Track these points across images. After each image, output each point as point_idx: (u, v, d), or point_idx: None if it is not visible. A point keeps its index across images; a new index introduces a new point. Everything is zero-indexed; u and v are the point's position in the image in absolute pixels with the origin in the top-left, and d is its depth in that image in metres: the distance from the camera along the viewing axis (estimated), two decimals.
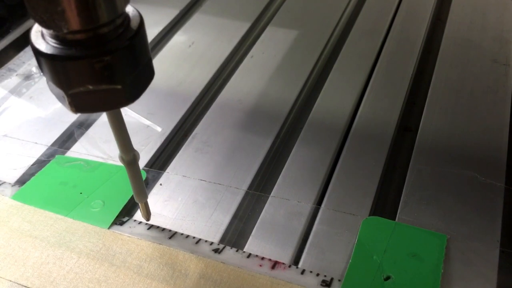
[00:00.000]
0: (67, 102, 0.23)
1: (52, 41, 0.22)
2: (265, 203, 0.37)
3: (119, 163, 0.31)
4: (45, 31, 0.23)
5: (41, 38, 0.23)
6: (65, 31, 0.21)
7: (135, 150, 0.30)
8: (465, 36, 0.52)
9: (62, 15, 0.21)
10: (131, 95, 0.24)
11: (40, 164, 0.41)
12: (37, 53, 0.23)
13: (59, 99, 0.24)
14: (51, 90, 0.24)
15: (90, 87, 0.23)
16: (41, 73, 0.24)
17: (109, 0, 0.22)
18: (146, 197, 0.33)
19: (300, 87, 0.47)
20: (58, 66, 0.22)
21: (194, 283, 0.31)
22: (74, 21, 0.21)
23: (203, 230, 0.35)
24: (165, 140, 0.43)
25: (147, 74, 0.25)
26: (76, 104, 0.24)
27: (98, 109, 0.25)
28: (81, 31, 0.22)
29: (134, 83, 0.24)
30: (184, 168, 0.40)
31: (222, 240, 0.34)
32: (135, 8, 0.25)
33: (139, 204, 0.33)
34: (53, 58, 0.22)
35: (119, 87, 0.23)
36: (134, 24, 0.24)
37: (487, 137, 0.40)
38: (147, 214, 0.34)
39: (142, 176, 0.32)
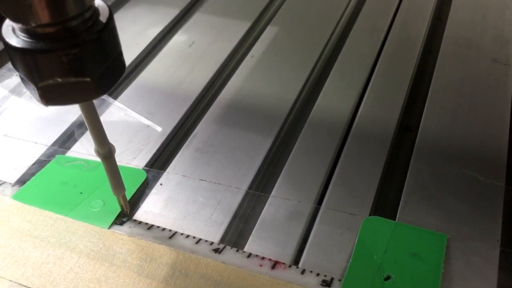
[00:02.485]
0: (37, 95, 0.24)
1: (22, 35, 0.23)
2: (265, 203, 0.36)
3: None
4: (15, 25, 0.23)
5: (11, 32, 0.23)
6: (33, 24, 0.22)
7: (110, 143, 0.30)
8: (465, 36, 0.52)
9: (30, 9, 0.21)
10: (101, 88, 0.25)
11: (40, 164, 0.41)
12: (8, 47, 0.23)
13: (31, 92, 0.24)
14: (24, 84, 0.25)
15: (59, 79, 0.23)
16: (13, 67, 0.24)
17: None
18: (124, 190, 0.33)
19: (300, 86, 0.47)
20: (27, 60, 0.23)
21: (195, 283, 0.31)
22: (42, 14, 0.21)
23: (203, 230, 0.35)
24: (165, 140, 0.43)
25: (118, 68, 0.26)
26: (46, 97, 0.24)
27: (68, 101, 0.25)
28: (50, 24, 0.22)
29: (103, 76, 0.24)
30: (184, 168, 0.40)
31: (222, 240, 0.34)
32: (104, 2, 0.25)
33: (117, 198, 0.34)
34: (22, 51, 0.23)
35: (88, 79, 0.24)
36: (103, 17, 0.24)
37: (487, 137, 0.40)
38: (126, 207, 0.35)
39: (118, 169, 0.32)
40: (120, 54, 0.26)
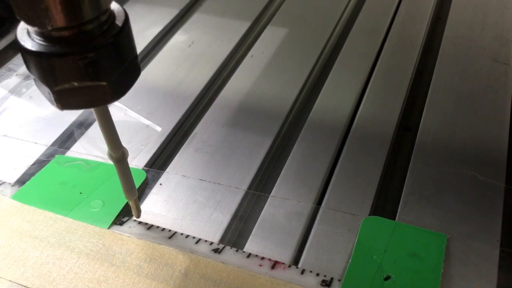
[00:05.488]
0: (53, 99, 0.24)
1: (37, 38, 0.23)
2: (265, 202, 0.36)
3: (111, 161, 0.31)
4: (30, 28, 0.23)
5: (26, 35, 0.23)
6: (49, 28, 0.21)
7: (123, 147, 0.30)
8: (465, 35, 0.52)
9: (46, 12, 0.21)
10: (117, 92, 0.24)
11: (40, 164, 0.41)
12: (23, 50, 0.23)
13: (46, 96, 0.24)
14: (38, 88, 0.24)
15: (75, 84, 0.23)
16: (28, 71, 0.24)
17: None
18: (136, 194, 0.33)
19: (300, 86, 0.47)
20: (43, 63, 0.23)
21: (194, 283, 0.31)
22: (58, 18, 0.21)
23: (203, 230, 0.35)
24: (165, 140, 0.43)
25: (133, 71, 0.26)
26: (62, 101, 0.24)
27: (84, 105, 0.25)
28: (66, 28, 0.22)
29: (119, 80, 0.24)
30: (184, 168, 0.40)
31: (222, 240, 0.34)
32: (120, 5, 0.25)
33: (129, 202, 0.34)
34: (38, 55, 0.22)
35: (104, 84, 0.23)
36: (119, 21, 0.24)
37: (487, 137, 0.40)
38: (138, 211, 0.34)
39: (131, 173, 0.32)
40: (135, 57, 0.25)
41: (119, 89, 0.25)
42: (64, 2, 0.21)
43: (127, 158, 0.31)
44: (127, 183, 0.32)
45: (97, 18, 0.23)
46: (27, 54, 0.23)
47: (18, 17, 0.22)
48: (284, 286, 0.31)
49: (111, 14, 0.24)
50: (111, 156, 0.30)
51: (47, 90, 0.23)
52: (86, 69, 0.23)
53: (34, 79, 0.24)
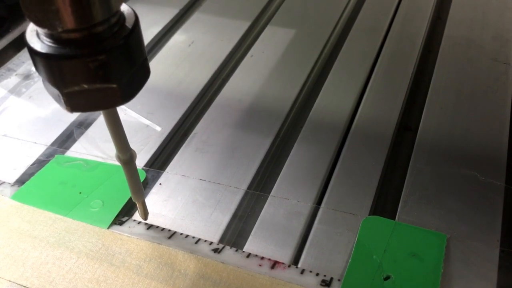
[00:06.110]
0: (62, 102, 0.23)
1: (47, 40, 0.22)
2: (265, 202, 0.36)
3: (119, 163, 0.31)
4: (40, 30, 0.22)
5: (36, 37, 0.23)
6: (59, 30, 0.21)
7: (131, 149, 0.30)
8: (465, 35, 0.52)
9: (56, 14, 0.21)
10: (127, 94, 0.24)
11: (39, 164, 0.41)
12: (32, 52, 0.23)
13: (55, 98, 0.24)
14: (47, 89, 0.24)
15: (85, 86, 0.23)
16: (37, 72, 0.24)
17: None
18: (144, 196, 0.33)
19: (300, 86, 0.47)
20: (53, 66, 0.22)
21: (194, 283, 0.31)
22: (68, 20, 0.21)
23: (203, 230, 0.35)
24: (164, 140, 0.43)
25: (143, 73, 0.25)
26: (72, 103, 0.24)
27: (94, 108, 0.25)
28: (76, 30, 0.22)
29: (129, 82, 0.24)
30: (184, 168, 0.40)
31: (221, 240, 0.34)
32: (130, 7, 0.24)
33: (137, 203, 0.33)
34: (48, 57, 0.22)
35: (114, 86, 0.23)
36: (129, 23, 0.24)
37: (487, 136, 0.40)
38: (145, 213, 0.34)
39: (139, 175, 0.32)
40: (145, 59, 0.25)
41: (129, 91, 0.24)
42: (74, 4, 0.21)
43: (135, 160, 0.30)
44: (134, 185, 0.32)
45: (107, 20, 0.22)
46: (36, 56, 0.22)
47: (27, 19, 0.21)
48: (284, 286, 0.31)
49: (121, 16, 0.24)
50: (119, 158, 0.30)
51: (56, 92, 0.23)
52: (96, 71, 0.22)
53: (42, 80, 0.24)
